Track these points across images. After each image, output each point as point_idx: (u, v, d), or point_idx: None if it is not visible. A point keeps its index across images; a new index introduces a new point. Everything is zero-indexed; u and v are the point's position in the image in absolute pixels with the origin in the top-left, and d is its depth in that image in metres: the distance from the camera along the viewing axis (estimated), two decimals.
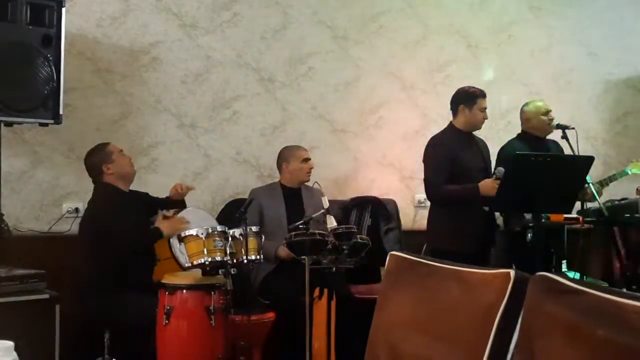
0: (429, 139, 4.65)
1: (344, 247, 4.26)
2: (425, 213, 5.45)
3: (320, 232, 4.28)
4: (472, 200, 4.37)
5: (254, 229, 3.81)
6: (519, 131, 4.99)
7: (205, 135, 5.16)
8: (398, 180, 5.73)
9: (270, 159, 5.07)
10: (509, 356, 1.73)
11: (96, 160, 4.16)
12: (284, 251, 4.44)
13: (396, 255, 2.22)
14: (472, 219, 4.43)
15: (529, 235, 4.24)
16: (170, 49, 5.07)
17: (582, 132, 5.40)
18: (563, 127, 4.72)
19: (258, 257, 3.80)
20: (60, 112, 4.09)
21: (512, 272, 1.80)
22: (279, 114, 5.43)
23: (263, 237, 3.93)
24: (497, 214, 4.73)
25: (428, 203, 4.82)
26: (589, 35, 6.03)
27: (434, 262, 2.12)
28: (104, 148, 4.20)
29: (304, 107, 5.52)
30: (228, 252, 3.66)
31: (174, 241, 4.20)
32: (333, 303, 4.35)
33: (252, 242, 3.79)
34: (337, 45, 5.60)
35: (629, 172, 5.18)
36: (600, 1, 6.07)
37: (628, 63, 6.09)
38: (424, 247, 5.32)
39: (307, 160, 4.84)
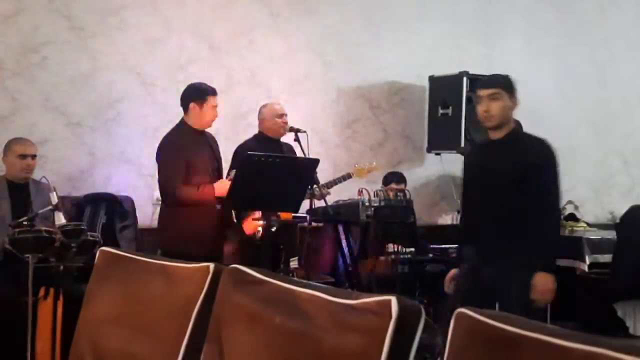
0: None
1: (72, 244, 4.15)
2: None
3: (47, 229, 4.13)
4: (209, 201, 4.39)
5: None
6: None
7: None
8: (136, 177, 5.66)
9: None
10: (205, 346, 1.81)
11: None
12: None
13: (105, 250, 2.21)
14: (206, 218, 4.41)
15: (257, 233, 4.41)
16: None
17: (316, 136, 5.73)
18: (295, 130, 4.97)
19: None
20: None
21: (211, 266, 1.89)
22: (7, 103, 5.17)
23: None
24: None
25: None
26: (324, 45, 6.40)
27: (142, 257, 2.15)
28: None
29: (36, 97, 5.28)
30: None
31: None
32: (60, 303, 4.21)
33: None
34: (74, 36, 5.43)
35: (352, 176, 5.59)
36: (335, 15, 6.45)
37: (358, 73, 6.53)
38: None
39: (25, 156, 4.58)
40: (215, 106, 4.49)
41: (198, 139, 4.52)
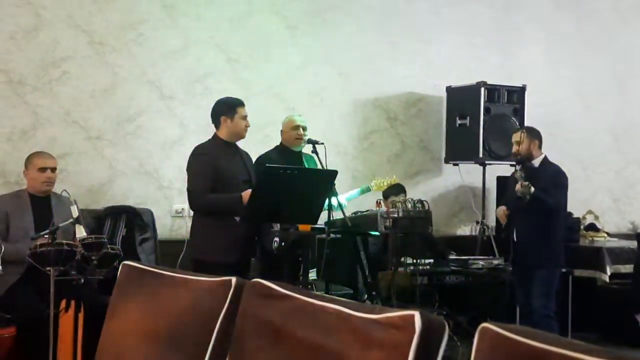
0: (191, 148, 4.64)
1: (93, 257, 4.18)
2: (182, 223, 5.48)
3: (68, 242, 4.15)
4: (235, 210, 4.41)
5: None
6: (277, 143, 5.19)
7: None
8: (155, 189, 5.70)
9: (18, 165, 4.86)
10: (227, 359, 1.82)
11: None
12: None
13: (128, 265, 2.23)
14: (233, 228, 4.44)
15: (275, 244, 4.41)
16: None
17: (333, 147, 5.73)
18: (313, 142, 4.96)
19: None
20: None
21: (233, 280, 1.90)
22: (29, 118, 5.25)
23: (3, 247, 3.74)
24: None
25: (186, 213, 4.82)
26: (340, 57, 6.41)
27: (164, 271, 2.17)
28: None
29: (57, 112, 5.34)
30: None
31: None
32: (81, 315, 4.24)
33: None
34: (93, 51, 5.49)
35: (371, 188, 5.58)
36: (351, 26, 6.46)
37: (375, 84, 6.54)
38: (180, 257, 5.35)
39: (45, 169, 4.63)
40: (246, 116, 4.60)
41: (229, 151, 4.60)
